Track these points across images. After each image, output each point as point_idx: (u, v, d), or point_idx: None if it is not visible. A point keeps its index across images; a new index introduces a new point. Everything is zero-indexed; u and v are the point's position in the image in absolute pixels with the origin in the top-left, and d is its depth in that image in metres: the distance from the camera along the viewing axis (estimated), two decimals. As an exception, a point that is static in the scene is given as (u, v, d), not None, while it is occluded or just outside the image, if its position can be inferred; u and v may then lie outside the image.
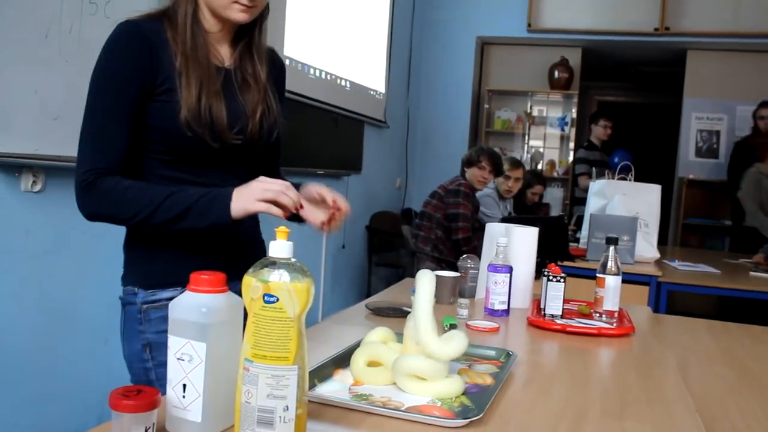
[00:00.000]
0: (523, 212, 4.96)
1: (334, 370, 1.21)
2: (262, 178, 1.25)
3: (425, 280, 1.18)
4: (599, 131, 5.73)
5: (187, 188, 1.27)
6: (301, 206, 1.26)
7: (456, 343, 1.13)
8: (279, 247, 0.87)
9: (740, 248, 5.04)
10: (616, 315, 1.82)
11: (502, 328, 1.73)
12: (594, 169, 5.27)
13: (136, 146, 1.29)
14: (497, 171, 4.19)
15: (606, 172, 4.27)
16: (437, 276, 1.90)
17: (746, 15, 5.83)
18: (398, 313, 1.77)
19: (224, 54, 1.39)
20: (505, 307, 1.86)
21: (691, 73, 6.21)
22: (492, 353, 1.39)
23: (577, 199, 5.94)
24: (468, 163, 4.12)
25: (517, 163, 4.61)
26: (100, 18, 2.27)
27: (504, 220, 3.50)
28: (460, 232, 3.91)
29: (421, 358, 1.12)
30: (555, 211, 6.20)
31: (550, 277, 1.81)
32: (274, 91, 1.44)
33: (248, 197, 1.22)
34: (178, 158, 1.30)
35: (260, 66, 1.40)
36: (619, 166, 3.99)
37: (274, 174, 1.38)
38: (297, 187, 1.35)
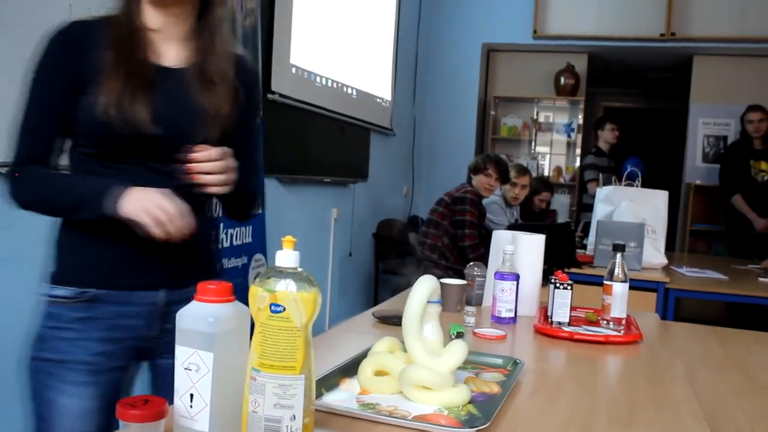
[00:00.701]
0: (530, 219, 4.95)
1: (341, 379, 1.21)
2: (167, 193, 1.24)
3: (417, 291, 1.18)
4: (607, 135, 5.71)
5: (88, 179, 1.30)
6: (193, 232, 1.27)
7: (450, 357, 1.14)
8: (285, 256, 0.87)
9: (739, 253, 5.03)
10: (623, 322, 1.81)
11: (509, 336, 1.73)
12: (602, 175, 5.26)
13: (65, 141, 1.33)
14: (504, 178, 4.19)
15: (613, 178, 4.26)
16: (444, 284, 1.91)
17: (752, 20, 5.82)
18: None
19: (171, 53, 1.36)
20: (512, 314, 1.86)
21: (698, 78, 6.19)
22: (499, 361, 1.39)
23: (584, 206, 5.92)
24: (474, 170, 4.12)
25: (523, 170, 4.61)
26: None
27: (511, 227, 3.50)
28: (467, 240, 3.91)
29: (426, 369, 1.12)
30: (562, 218, 6.18)
31: (557, 285, 1.81)
32: (239, 92, 1.40)
33: (139, 204, 1.22)
34: (106, 152, 1.30)
35: (220, 65, 1.37)
36: (626, 172, 3.98)
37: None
38: None
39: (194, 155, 1.27)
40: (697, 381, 1.47)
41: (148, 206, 1.22)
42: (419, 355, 1.14)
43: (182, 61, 1.37)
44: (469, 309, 1.82)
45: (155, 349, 1.41)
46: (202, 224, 1.44)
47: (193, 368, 0.88)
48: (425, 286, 1.17)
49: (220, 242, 2.68)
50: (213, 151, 1.28)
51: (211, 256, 1.52)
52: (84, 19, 1.33)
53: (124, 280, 1.33)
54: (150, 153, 1.31)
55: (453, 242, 3.98)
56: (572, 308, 1.83)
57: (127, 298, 1.34)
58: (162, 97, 1.31)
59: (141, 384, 1.47)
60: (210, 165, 1.28)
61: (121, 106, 1.25)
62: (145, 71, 1.30)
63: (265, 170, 3.10)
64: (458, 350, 1.15)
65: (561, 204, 6.49)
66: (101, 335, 1.32)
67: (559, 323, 1.79)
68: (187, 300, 1.39)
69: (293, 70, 3.72)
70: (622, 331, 1.78)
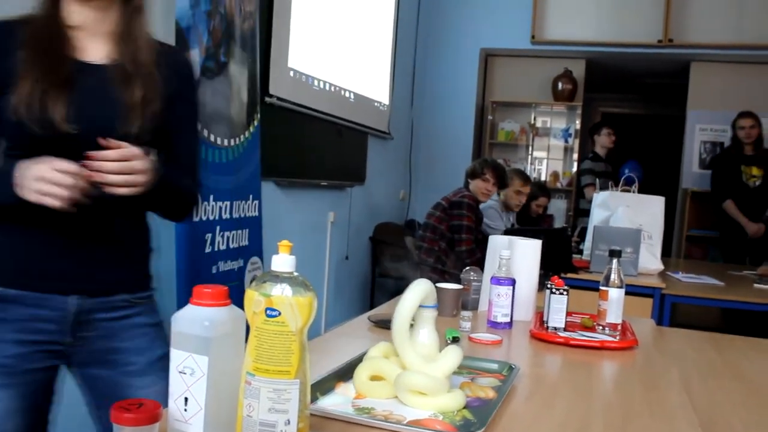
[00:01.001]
0: (526, 224, 4.96)
1: (336, 383, 1.21)
2: (46, 160, 1.18)
3: (408, 295, 1.17)
4: (604, 140, 5.72)
5: None
6: (93, 192, 1.19)
7: (445, 362, 1.14)
8: (281, 261, 0.87)
9: (733, 258, 5.05)
10: (619, 328, 1.81)
11: (505, 341, 1.73)
12: (598, 180, 5.26)
13: None
14: (501, 183, 4.19)
15: (610, 183, 4.27)
16: (440, 288, 1.91)
17: (750, 27, 5.83)
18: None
19: (96, 49, 1.33)
20: (507, 319, 1.86)
21: (695, 84, 6.21)
22: (494, 366, 1.39)
23: (580, 211, 5.93)
24: (472, 175, 4.13)
25: (527, 179, 4.61)
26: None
27: (507, 231, 3.50)
28: (464, 244, 3.91)
29: (421, 374, 1.12)
30: (558, 223, 6.18)
31: (553, 290, 1.81)
32: (166, 86, 1.36)
33: (23, 184, 1.18)
34: (27, 153, 1.24)
35: (141, 58, 1.33)
36: (623, 178, 3.98)
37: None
38: None
39: (93, 153, 1.19)
40: (692, 387, 1.47)
41: (31, 184, 1.16)
42: (410, 359, 1.14)
43: (107, 57, 1.34)
44: (465, 314, 1.82)
45: (76, 357, 1.37)
46: (131, 229, 1.41)
47: (187, 372, 0.88)
48: (418, 290, 1.17)
49: (216, 245, 2.67)
50: (114, 152, 1.20)
51: (144, 265, 1.45)
52: (6, 18, 1.30)
53: (34, 281, 1.30)
54: (70, 152, 1.22)
55: (450, 246, 3.98)
56: (568, 313, 1.83)
57: (39, 301, 1.30)
58: (82, 94, 1.28)
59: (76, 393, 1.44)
60: (112, 165, 1.19)
61: (33, 105, 1.22)
62: (62, 69, 1.27)
63: (263, 173, 3.10)
64: (453, 355, 1.15)
65: (558, 209, 6.50)
66: (14, 337, 1.29)
67: (555, 328, 1.79)
68: (112, 309, 1.36)
69: (291, 73, 3.72)
70: (617, 337, 1.78)
